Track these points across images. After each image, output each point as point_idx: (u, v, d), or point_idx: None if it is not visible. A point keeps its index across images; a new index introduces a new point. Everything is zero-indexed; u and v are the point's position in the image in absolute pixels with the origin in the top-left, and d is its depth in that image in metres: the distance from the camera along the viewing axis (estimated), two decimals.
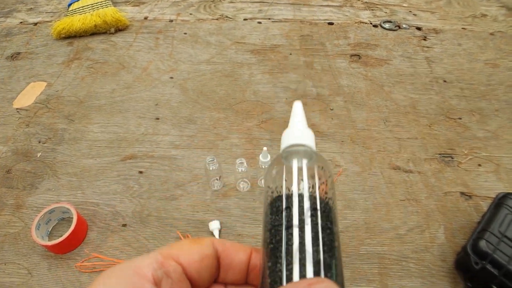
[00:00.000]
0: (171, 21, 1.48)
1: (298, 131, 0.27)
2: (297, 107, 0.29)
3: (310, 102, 1.10)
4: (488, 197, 0.87)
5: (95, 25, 1.39)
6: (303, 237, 0.19)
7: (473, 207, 0.86)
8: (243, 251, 0.22)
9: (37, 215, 0.82)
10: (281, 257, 0.19)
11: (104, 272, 0.19)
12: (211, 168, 0.81)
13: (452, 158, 0.96)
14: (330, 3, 1.57)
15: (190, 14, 1.52)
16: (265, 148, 0.77)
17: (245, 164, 0.81)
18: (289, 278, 0.18)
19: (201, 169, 0.94)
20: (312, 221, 0.20)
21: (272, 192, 0.23)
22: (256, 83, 1.17)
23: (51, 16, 1.56)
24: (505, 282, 0.66)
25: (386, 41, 1.34)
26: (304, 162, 0.24)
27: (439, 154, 0.97)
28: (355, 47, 1.31)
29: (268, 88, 1.16)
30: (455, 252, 0.78)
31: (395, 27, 1.41)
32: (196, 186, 0.91)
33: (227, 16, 1.50)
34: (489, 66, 1.24)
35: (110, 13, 1.40)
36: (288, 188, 0.22)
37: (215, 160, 0.81)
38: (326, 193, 0.22)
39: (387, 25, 1.42)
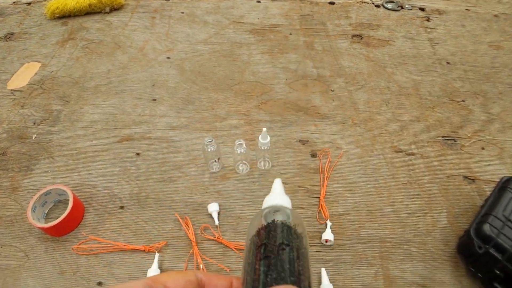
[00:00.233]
0: None
1: (276, 197, 0.31)
2: (277, 183, 0.33)
3: (311, 83, 1.07)
4: (491, 181, 0.85)
5: (90, 4, 1.34)
6: (271, 268, 0.23)
7: (476, 191, 0.84)
8: (225, 279, 0.25)
9: (32, 197, 0.80)
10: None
11: None
12: (209, 150, 0.79)
13: (455, 141, 0.94)
14: None
15: None
16: (264, 129, 0.75)
17: (244, 145, 0.78)
18: None
19: (199, 151, 0.91)
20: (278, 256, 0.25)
21: (250, 238, 0.27)
22: (255, 64, 1.14)
23: None
24: (508, 266, 0.65)
25: (388, 22, 1.31)
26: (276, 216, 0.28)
27: (442, 137, 0.95)
28: (357, 27, 1.27)
29: (267, 69, 1.12)
30: (458, 236, 0.77)
31: (398, 7, 1.37)
32: (194, 168, 0.88)
33: None
34: (493, 48, 1.21)
35: None
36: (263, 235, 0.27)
37: (213, 142, 0.78)
38: (294, 238, 0.27)
39: (389, 5, 1.38)
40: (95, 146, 0.95)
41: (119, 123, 0.99)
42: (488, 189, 0.84)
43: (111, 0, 1.35)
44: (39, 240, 0.79)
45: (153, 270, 0.70)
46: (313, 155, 0.90)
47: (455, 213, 0.81)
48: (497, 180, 0.79)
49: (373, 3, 1.40)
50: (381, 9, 1.37)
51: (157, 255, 0.73)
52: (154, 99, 1.05)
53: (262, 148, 0.79)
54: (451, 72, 1.13)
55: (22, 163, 0.93)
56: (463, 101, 1.04)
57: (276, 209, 0.29)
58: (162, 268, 0.73)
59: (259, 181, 0.85)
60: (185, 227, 0.77)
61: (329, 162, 0.88)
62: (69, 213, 0.78)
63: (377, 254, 0.75)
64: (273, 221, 0.27)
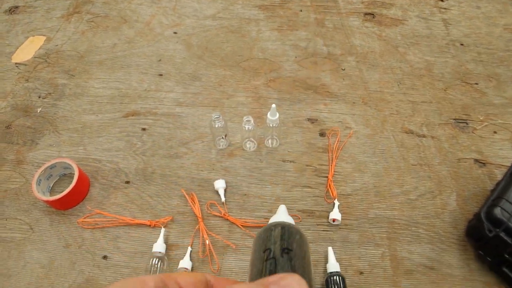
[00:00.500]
0: None
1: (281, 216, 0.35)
2: (282, 208, 0.39)
3: (321, 61, 1.04)
4: (502, 165, 0.83)
5: None
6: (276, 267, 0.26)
7: (487, 174, 0.82)
8: (232, 282, 0.25)
9: (37, 170, 0.79)
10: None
11: (115, 282, 0.21)
12: (216, 126, 0.77)
13: (467, 124, 0.92)
14: None
15: None
16: (273, 105, 0.73)
17: (252, 122, 0.76)
18: None
19: (206, 128, 0.90)
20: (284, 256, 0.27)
21: (258, 246, 0.29)
22: (264, 40, 1.11)
23: None
24: None
25: (401, 1, 1.26)
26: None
27: (454, 119, 0.92)
28: (369, 5, 1.23)
29: (276, 46, 1.09)
30: (467, 220, 0.75)
31: None
32: (201, 144, 0.87)
33: None
34: (508, 31, 1.17)
35: None
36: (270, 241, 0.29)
37: (221, 118, 0.77)
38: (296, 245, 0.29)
39: None
40: (100, 120, 0.93)
41: (125, 98, 0.97)
42: (499, 174, 0.82)
43: None
44: (44, 213, 0.79)
45: (159, 245, 0.70)
46: (322, 134, 0.88)
47: (464, 196, 0.79)
48: (509, 164, 0.77)
49: None
50: None
51: (163, 230, 0.72)
52: (161, 75, 1.03)
53: (271, 125, 0.77)
54: (465, 54, 1.09)
55: (27, 136, 0.92)
56: (476, 83, 1.01)
57: (281, 223, 0.32)
58: (167, 243, 0.72)
59: (266, 159, 0.84)
60: (191, 203, 0.76)
61: (338, 141, 0.86)
62: (74, 186, 0.77)
63: (384, 235, 0.73)
64: (279, 229, 0.30)
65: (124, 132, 0.90)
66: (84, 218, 0.77)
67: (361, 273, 0.69)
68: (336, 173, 0.81)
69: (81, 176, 0.79)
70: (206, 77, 1.01)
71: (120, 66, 1.06)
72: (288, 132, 0.89)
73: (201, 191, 0.79)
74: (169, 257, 0.71)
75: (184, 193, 0.78)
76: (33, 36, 1.19)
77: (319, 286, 0.68)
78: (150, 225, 0.75)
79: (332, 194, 0.77)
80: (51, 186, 0.83)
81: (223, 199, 0.77)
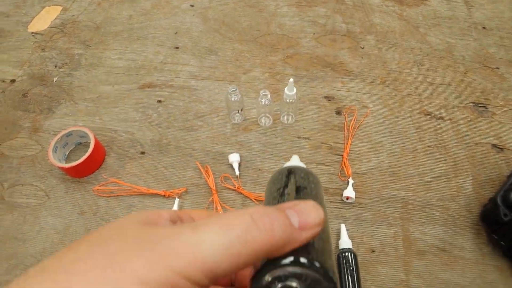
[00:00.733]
0: None
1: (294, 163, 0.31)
2: (295, 157, 0.33)
3: (339, 39, 1.02)
4: None
5: None
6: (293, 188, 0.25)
7: (504, 160, 0.80)
8: None
9: (54, 138, 0.79)
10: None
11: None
12: (232, 99, 0.76)
13: (486, 108, 0.89)
14: None
15: None
16: (291, 80, 0.71)
17: (269, 96, 0.75)
18: None
19: (222, 102, 0.88)
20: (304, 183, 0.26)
21: (272, 186, 0.27)
22: (282, 16, 1.08)
23: None
24: None
25: None
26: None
27: (473, 103, 0.90)
28: None
29: (294, 22, 1.07)
30: (482, 204, 0.74)
31: None
32: (216, 118, 0.86)
33: None
34: None
35: None
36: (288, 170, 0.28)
37: (237, 91, 0.75)
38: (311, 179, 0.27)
39: None
40: (116, 91, 0.92)
41: (141, 69, 0.96)
42: None
43: None
44: (60, 180, 0.79)
45: None
46: (338, 113, 0.87)
47: (480, 180, 0.78)
48: None
49: None
50: None
51: (177, 199, 0.72)
52: (177, 47, 1.01)
53: (287, 100, 0.75)
54: (487, 37, 1.06)
55: (43, 105, 0.92)
56: (497, 68, 0.98)
57: (295, 166, 0.29)
58: None
59: (281, 135, 0.83)
60: (205, 175, 0.76)
61: (354, 120, 0.84)
62: (90, 154, 0.77)
63: (398, 215, 0.72)
64: (293, 170, 0.28)
65: (140, 104, 0.89)
66: (99, 186, 0.77)
67: (373, 251, 0.69)
68: (351, 151, 0.80)
69: (97, 145, 0.79)
70: (223, 51, 0.99)
71: (136, 37, 1.04)
72: (304, 109, 0.87)
73: (215, 164, 0.79)
74: None
75: (199, 165, 0.77)
76: (49, 6, 1.18)
77: None
78: (164, 195, 0.75)
79: (347, 173, 0.76)
80: (67, 154, 0.84)
81: (237, 172, 0.76)
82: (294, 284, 0.17)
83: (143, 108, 0.88)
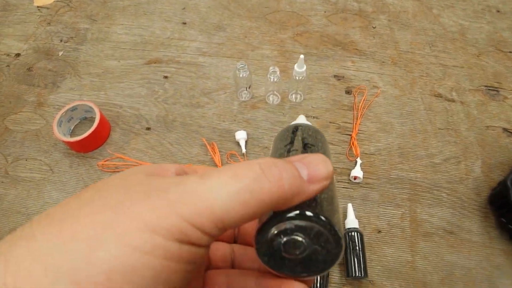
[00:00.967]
0: None
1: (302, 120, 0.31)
2: (302, 117, 0.34)
3: (351, 18, 0.99)
4: None
5: None
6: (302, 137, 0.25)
7: None
8: None
9: (59, 112, 0.78)
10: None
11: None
12: (241, 75, 0.74)
13: (498, 92, 0.87)
14: None
15: None
16: (302, 56, 0.69)
17: (278, 73, 0.73)
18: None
19: (229, 79, 0.86)
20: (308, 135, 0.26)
21: (279, 141, 0.27)
22: None
23: None
24: None
25: None
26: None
27: (485, 86, 0.87)
28: None
29: None
30: (490, 188, 0.72)
31: None
32: (223, 95, 0.84)
33: None
34: None
35: None
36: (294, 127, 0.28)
37: (246, 67, 0.73)
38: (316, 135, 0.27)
39: None
40: (122, 66, 0.90)
41: (148, 45, 0.94)
42: None
43: None
44: (64, 155, 0.78)
45: None
46: (348, 92, 0.84)
47: (490, 164, 0.76)
48: None
49: None
50: None
51: None
52: (184, 23, 0.98)
53: (297, 78, 0.73)
54: (501, 21, 1.02)
55: (48, 79, 0.90)
56: (511, 52, 0.95)
57: (302, 123, 0.29)
58: None
59: (289, 113, 0.81)
60: (211, 152, 0.74)
61: (364, 100, 0.82)
62: (95, 129, 0.75)
63: (405, 196, 0.71)
64: (301, 127, 0.27)
65: (146, 79, 0.87)
66: (104, 161, 0.76)
67: (379, 231, 0.68)
68: (360, 131, 0.78)
69: (102, 120, 0.78)
70: (231, 28, 0.97)
71: (143, 12, 1.02)
72: (313, 87, 0.85)
73: (221, 141, 0.77)
74: None
75: (205, 142, 0.76)
76: None
77: None
78: None
79: (355, 152, 0.74)
80: (71, 129, 0.82)
81: (243, 150, 0.75)
82: (299, 238, 0.17)
83: (149, 84, 0.87)
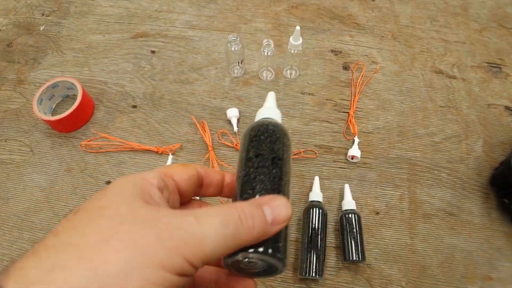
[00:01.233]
0: None
1: (268, 110, 0.32)
2: (270, 96, 0.35)
3: None
4: None
5: None
6: (263, 166, 0.26)
7: None
8: (219, 174, 0.28)
9: (39, 89, 0.72)
10: (249, 181, 0.25)
11: (118, 179, 0.22)
12: (232, 49, 0.69)
13: (500, 69, 0.82)
14: None
15: None
16: (298, 28, 0.64)
17: (272, 46, 0.67)
18: (254, 195, 0.24)
19: (220, 53, 0.81)
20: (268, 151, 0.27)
21: (243, 140, 0.29)
22: None
23: None
24: None
25: None
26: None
27: (487, 63, 0.83)
28: None
29: None
30: (492, 168, 0.69)
31: None
32: (214, 71, 0.79)
33: None
34: None
35: None
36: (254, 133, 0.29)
37: (238, 40, 0.68)
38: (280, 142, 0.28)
39: None
40: (107, 41, 0.84)
41: (134, 18, 0.88)
42: None
43: None
44: (45, 135, 0.73)
45: None
46: (346, 68, 0.79)
47: (491, 143, 0.72)
48: None
49: None
50: None
51: (170, 156, 0.66)
52: None
53: (292, 51, 0.68)
54: None
55: (29, 55, 0.84)
56: None
57: (272, 123, 0.30)
58: None
59: (284, 90, 0.76)
60: (201, 131, 0.70)
61: (362, 76, 0.77)
62: (78, 106, 0.70)
63: (405, 177, 0.67)
64: (270, 133, 0.28)
65: (132, 54, 0.82)
66: (88, 141, 0.71)
67: (377, 213, 0.64)
68: (358, 109, 0.74)
69: (85, 97, 0.72)
70: (222, 0, 0.90)
71: None
72: (309, 63, 0.80)
73: (212, 119, 0.72)
74: None
75: (195, 120, 0.71)
76: None
77: (332, 224, 0.63)
78: (157, 152, 0.69)
79: (353, 131, 0.70)
80: (53, 107, 0.77)
81: (235, 129, 0.70)
82: (256, 262, 0.23)
83: (136, 59, 0.81)
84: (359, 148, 0.68)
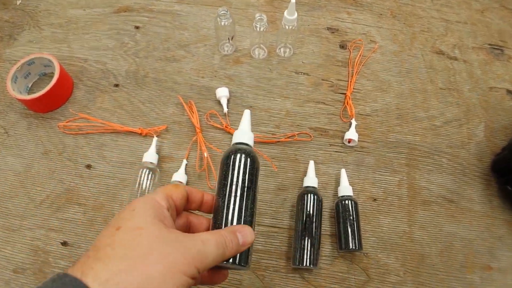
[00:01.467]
0: None
1: (242, 133, 0.38)
2: (246, 114, 0.40)
3: None
4: None
5: None
6: (236, 196, 0.34)
7: None
8: (200, 193, 0.35)
9: (13, 66, 0.66)
10: (227, 209, 0.34)
11: (135, 201, 0.30)
12: (222, 23, 0.63)
13: (503, 51, 0.78)
14: None
15: None
16: (293, 1, 0.58)
17: (265, 21, 0.62)
18: (227, 224, 0.33)
19: (209, 29, 0.75)
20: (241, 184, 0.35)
21: (221, 165, 0.37)
22: None
23: None
24: None
25: None
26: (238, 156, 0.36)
27: (489, 44, 0.79)
28: None
29: None
30: (493, 153, 0.65)
31: None
32: (202, 48, 0.73)
33: None
34: None
35: None
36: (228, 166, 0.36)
37: (228, 14, 0.62)
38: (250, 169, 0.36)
39: None
40: (88, 15, 0.78)
41: None
42: None
43: None
44: (21, 116, 0.67)
45: (151, 154, 0.59)
46: (343, 46, 0.75)
47: (493, 128, 0.68)
48: None
49: None
50: None
51: (155, 139, 0.61)
52: None
53: (287, 27, 0.63)
54: None
55: (4, 31, 0.78)
56: None
57: (247, 151, 0.36)
58: (160, 154, 0.62)
59: (277, 69, 0.71)
60: (189, 112, 0.65)
61: (360, 55, 0.72)
62: (55, 84, 0.64)
63: (404, 162, 0.63)
64: (236, 155, 0.36)
65: (115, 30, 0.75)
66: (66, 122, 0.66)
67: (375, 199, 0.60)
68: (355, 90, 0.69)
69: (63, 75, 0.67)
70: None
71: None
72: (304, 41, 0.75)
73: (200, 99, 0.67)
74: (162, 170, 0.61)
75: (182, 100, 0.66)
76: None
77: (327, 211, 0.59)
78: (141, 133, 0.63)
79: (350, 113, 0.66)
80: (29, 86, 0.71)
81: (225, 109, 0.65)
82: (230, 266, 0.33)
83: (118, 35, 0.75)
84: (356, 131, 0.64)
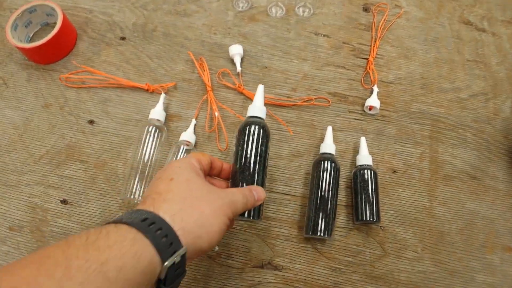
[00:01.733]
0: None
1: (257, 108, 0.43)
2: (260, 89, 0.45)
3: None
4: None
5: None
6: (250, 159, 0.41)
7: None
8: (220, 162, 0.42)
9: (13, 13, 0.61)
10: (244, 173, 0.41)
11: (173, 161, 0.37)
12: None
13: None
14: None
15: None
16: None
17: None
18: (243, 185, 0.40)
19: None
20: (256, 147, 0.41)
21: (238, 136, 0.43)
22: None
23: None
24: None
25: None
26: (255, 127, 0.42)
27: None
28: None
29: None
30: None
31: None
32: (215, 3, 0.67)
33: None
34: None
35: None
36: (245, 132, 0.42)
37: None
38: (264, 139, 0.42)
39: None
40: None
41: None
42: None
43: None
44: (21, 66, 0.62)
45: (158, 111, 0.54)
46: (366, 9, 0.69)
47: None
48: None
49: None
50: None
51: (163, 95, 0.56)
52: None
53: None
54: None
55: None
56: None
57: (262, 124, 0.43)
58: (168, 112, 0.57)
59: (295, 29, 0.65)
60: (199, 69, 0.59)
61: (384, 20, 0.67)
62: (57, 33, 0.59)
63: (426, 134, 0.58)
64: (259, 133, 0.42)
65: None
66: (69, 74, 0.61)
67: (394, 171, 0.56)
68: (378, 56, 0.64)
69: (66, 24, 0.61)
70: None
71: None
72: (325, 1, 0.69)
73: (212, 57, 0.62)
74: (169, 129, 0.56)
75: (192, 56, 0.60)
76: None
77: (344, 180, 0.54)
78: (147, 90, 0.58)
79: (372, 79, 0.61)
80: (30, 36, 0.66)
81: (238, 68, 0.60)
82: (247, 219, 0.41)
83: None
84: (378, 98, 0.58)
